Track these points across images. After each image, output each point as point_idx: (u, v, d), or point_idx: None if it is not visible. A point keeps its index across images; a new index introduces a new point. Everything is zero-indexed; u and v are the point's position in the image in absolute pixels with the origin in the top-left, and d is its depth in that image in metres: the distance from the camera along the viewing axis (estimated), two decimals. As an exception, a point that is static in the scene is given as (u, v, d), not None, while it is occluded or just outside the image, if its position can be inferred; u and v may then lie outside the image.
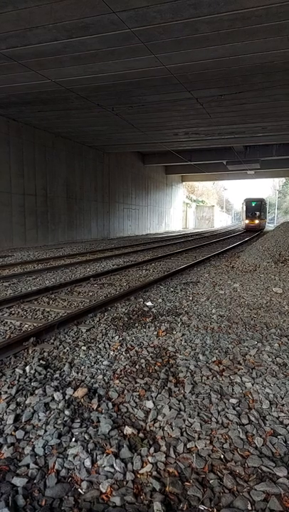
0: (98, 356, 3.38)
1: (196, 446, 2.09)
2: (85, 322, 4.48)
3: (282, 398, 2.62)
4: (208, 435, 2.19)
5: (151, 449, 2.05)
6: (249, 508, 1.66)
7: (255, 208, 31.06)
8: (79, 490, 1.78)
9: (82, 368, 3.13)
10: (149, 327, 4.24)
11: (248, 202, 31.59)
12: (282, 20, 6.27)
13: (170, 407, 2.47)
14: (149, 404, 2.52)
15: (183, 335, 3.95)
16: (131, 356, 3.38)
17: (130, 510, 1.66)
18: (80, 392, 2.63)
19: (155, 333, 4.03)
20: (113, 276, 7.88)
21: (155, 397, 2.61)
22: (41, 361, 3.21)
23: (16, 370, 3.05)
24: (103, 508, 1.66)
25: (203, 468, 1.92)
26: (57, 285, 6.42)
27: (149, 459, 1.98)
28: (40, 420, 2.33)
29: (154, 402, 2.54)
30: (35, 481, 1.83)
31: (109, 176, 20.92)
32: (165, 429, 2.25)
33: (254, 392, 2.69)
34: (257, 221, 30.97)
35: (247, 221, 31.38)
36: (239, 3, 5.78)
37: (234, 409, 2.46)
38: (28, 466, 1.93)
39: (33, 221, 14.89)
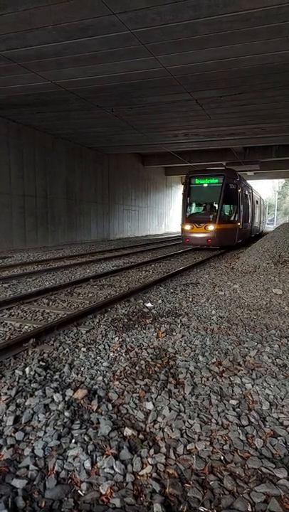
0: (98, 357, 3.38)
1: (196, 448, 2.09)
2: (85, 323, 4.47)
3: (282, 399, 2.62)
4: (208, 436, 2.19)
5: (151, 451, 2.05)
6: (249, 509, 1.66)
7: (211, 194, 13.49)
8: (79, 491, 1.77)
9: (82, 369, 3.12)
10: (148, 328, 4.24)
11: (192, 180, 13.88)
12: (282, 21, 6.28)
13: (170, 409, 2.46)
14: (149, 406, 2.52)
15: (183, 336, 3.95)
16: (131, 357, 3.37)
17: (130, 512, 1.65)
18: (80, 394, 2.63)
19: (155, 334, 4.03)
20: (113, 277, 7.88)
21: (155, 399, 2.61)
22: (41, 362, 3.21)
23: (16, 371, 3.05)
24: (103, 510, 1.66)
25: (203, 470, 1.91)
26: (57, 286, 6.41)
27: (149, 460, 1.98)
28: (39, 421, 2.33)
29: (153, 404, 2.54)
30: (34, 483, 1.82)
31: (109, 178, 20.93)
32: (165, 430, 2.25)
33: (254, 394, 2.69)
34: (212, 227, 12.78)
35: (188, 226, 13.25)
36: (238, 4, 5.79)
37: (234, 410, 2.46)
38: (27, 467, 1.93)
39: (33, 222, 14.88)
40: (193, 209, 14.19)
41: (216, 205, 13.10)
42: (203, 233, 12.74)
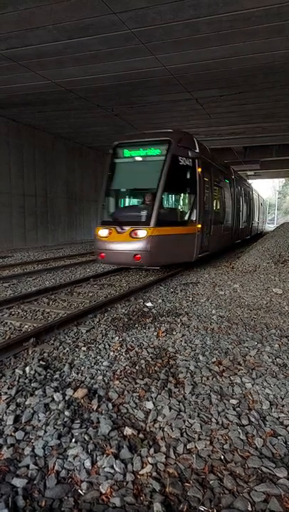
0: (98, 357, 3.38)
1: (196, 447, 2.09)
2: (85, 323, 4.47)
3: (283, 399, 2.62)
4: (208, 436, 2.19)
5: (151, 450, 2.05)
6: (249, 508, 1.66)
7: (145, 175, 7.73)
8: (79, 491, 1.77)
9: (82, 368, 3.13)
10: (149, 328, 4.24)
11: (117, 152, 8.06)
12: (283, 20, 6.27)
13: (170, 408, 2.46)
14: (149, 405, 2.52)
15: (183, 335, 3.95)
16: (131, 357, 3.37)
17: (130, 511, 1.66)
18: (80, 393, 2.63)
19: (155, 333, 4.03)
20: (113, 276, 7.87)
21: (155, 398, 2.61)
22: (41, 362, 3.21)
23: (16, 370, 3.05)
24: (103, 509, 1.66)
25: (204, 469, 1.91)
26: (57, 286, 6.42)
27: (149, 459, 1.98)
28: (40, 421, 2.33)
29: (154, 403, 2.54)
30: (35, 482, 1.82)
31: (109, 177, 20.91)
32: (165, 429, 2.25)
33: (254, 393, 2.69)
34: (142, 232, 6.93)
35: (103, 232, 7.37)
36: (239, 3, 5.78)
37: (234, 409, 2.46)
38: (27, 466, 1.93)
39: (33, 222, 14.88)
40: (116, 202, 8.44)
41: (155, 194, 7.16)
42: (128, 243, 6.95)
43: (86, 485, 1.80)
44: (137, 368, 3.13)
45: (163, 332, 4.08)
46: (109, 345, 3.68)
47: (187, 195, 8.29)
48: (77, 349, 3.59)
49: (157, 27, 6.52)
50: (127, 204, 8.63)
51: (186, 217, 8.03)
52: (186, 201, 8.42)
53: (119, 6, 5.91)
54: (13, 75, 8.88)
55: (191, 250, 8.07)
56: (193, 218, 8.00)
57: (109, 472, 1.88)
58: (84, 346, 3.66)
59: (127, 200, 8.70)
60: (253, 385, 2.80)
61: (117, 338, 3.89)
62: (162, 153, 7.44)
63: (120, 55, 7.72)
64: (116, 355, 3.41)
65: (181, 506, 1.68)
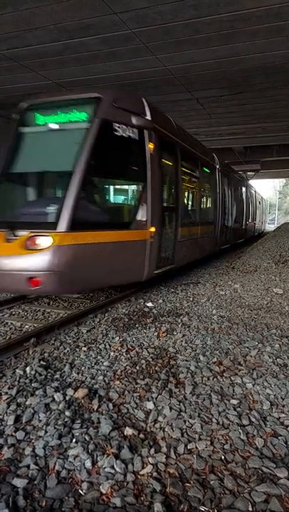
0: (99, 357, 3.38)
1: (196, 447, 2.09)
2: (86, 323, 4.48)
3: (283, 399, 2.62)
4: (208, 436, 2.19)
5: (152, 450, 2.05)
6: (250, 509, 1.66)
7: (60, 151, 4.87)
8: (79, 491, 1.78)
9: (83, 368, 3.13)
10: (149, 328, 4.24)
11: (26, 117, 5.59)
12: (284, 20, 6.27)
13: (170, 408, 2.46)
14: (150, 405, 2.52)
15: (183, 336, 3.95)
16: (131, 357, 3.37)
17: (131, 511, 1.66)
18: (81, 393, 2.63)
19: (156, 333, 4.03)
20: (114, 276, 7.87)
21: (156, 398, 2.61)
22: (42, 362, 3.21)
23: (17, 370, 3.05)
24: (104, 509, 1.66)
25: (204, 469, 1.91)
26: (57, 286, 6.41)
27: (150, 459, 1.98)
28: (40, 421, 2.33)
29: (154, 403, 2.54)
30: (35, 482, 1.83)
31: (110, 177, 20.87)
32: (166, 430, 2.25)
33: (255, 393, 2.69)
34: (46, 241, 4.07)
35: None
36: (240, 3, 5.78)
37: (235, 410, 2.46)
38: (28, 466, 1.93)
39: (34, 222, 14.85)
40: (12, 192, 5.63)
41: (70, 178, 4.41)
42: (20, 258, 4.16)
43: (86, 485, 1.80)
44: (137, 368, 3.13)
45: (163, 332, 4.08)
46: (110, 346, 3.69)
47: (130, 182, 5.90)
48: (77, 349, 3.59)
49: (158, 27, 6.52)
50: (29, 195, 5.52)
51: (130, 217, 5.36)
52: (129, 192, 6.20)
53: (120, 6, 5.91)
54: (14, 75, 8.89)
55: (140, 265, 5.41)
56: (143, 218, 5.29)
57: (110, 472, 1.88)
58: (84, 346, 3.66)
59: (29, 189, 5.56)
60: (253, 385, 2.80)
61: (117, 338, 3.89)
62: (88, 117, 4.88)
63: (121, 55, 7.73)
64: (116, 355, 3.41)
65: (182, 506, 1.68)
